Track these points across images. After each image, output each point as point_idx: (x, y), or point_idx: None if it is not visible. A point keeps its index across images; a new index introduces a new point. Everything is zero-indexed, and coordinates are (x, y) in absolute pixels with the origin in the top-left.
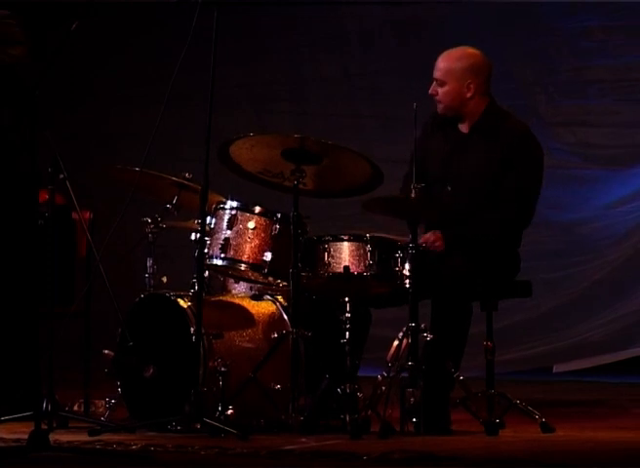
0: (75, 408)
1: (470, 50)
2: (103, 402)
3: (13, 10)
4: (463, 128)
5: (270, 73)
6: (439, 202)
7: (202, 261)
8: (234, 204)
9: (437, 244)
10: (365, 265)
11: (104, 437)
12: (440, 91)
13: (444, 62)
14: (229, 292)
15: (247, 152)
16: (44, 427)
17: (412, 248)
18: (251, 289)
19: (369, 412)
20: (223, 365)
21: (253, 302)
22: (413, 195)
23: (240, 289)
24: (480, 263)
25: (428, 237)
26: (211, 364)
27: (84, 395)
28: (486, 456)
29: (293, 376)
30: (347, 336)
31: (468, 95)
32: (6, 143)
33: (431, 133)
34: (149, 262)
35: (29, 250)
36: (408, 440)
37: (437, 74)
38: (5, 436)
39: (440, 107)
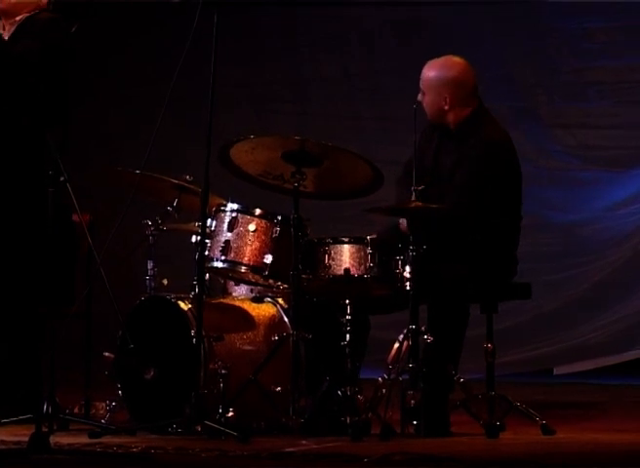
0: (76, 410)
1: (453, 60)
2: (104, 404)
3: None
4: (450, 134)
5: (270, 73)
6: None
7: (202, 264)
8: (235, 206)
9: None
10: (365, 268)
11: (105, 439)
12: (424, 100)
13: (426, 72)
14: (230, 294)
15: (247, 154)
16: (44, 429)
17: (412, 250)
18: (251, 291)
19: (369, 415)
20: (224, 367)
21: (253, 305)
22: (413, 197)
23: (240, 291)
24: (476, 266)
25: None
26: (211, 366)
27: (84, 397)
28: (486, 458)
29: (293, 379)
30: (348, 339)
31: (445, 107)
32: (11, 144)
33: (428, 138)
34: (150, 265)
35: (32, 251)
36: (408, 442)
37: (421, 84)
38: (5, 438)
39: (428, 115)
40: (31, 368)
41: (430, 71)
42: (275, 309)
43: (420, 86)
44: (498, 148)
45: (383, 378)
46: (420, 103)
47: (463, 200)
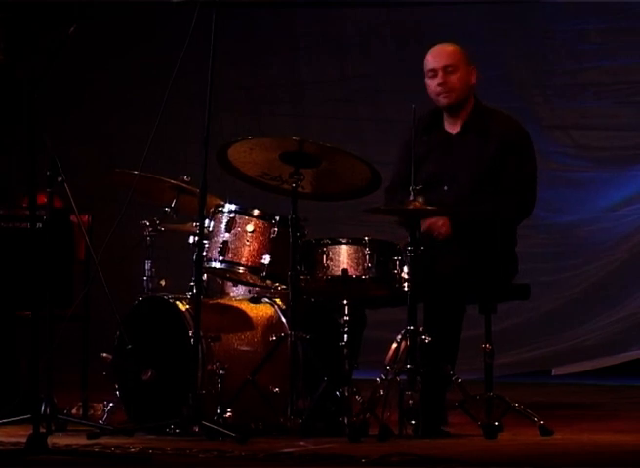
0: (74, 411)
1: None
2: (102, 405)
3: (10, 10)
4: (454, 127)
5: (269, 75)
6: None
7: (200, 264)
8: (233, 207)
9: (443, 229)
10: (363, 268)
11: (103, 440)
12: (453, 77)
13: (451, 48)
14: (228, 295)
15: (245, 155)
16: (42, 430)
17: (410, 250)
18: (249, 292)
19: (367, 415)
20: (222, 368)
21: (251, 305)
22: (411, 197)
23: (238, 292)
24: (478, 264)
25: (435, 221)
26: (209, 367)
27: (82, 398)
28: (484, 459)
29: (291, 379)
30: (346, 339)
31: (473, 81)
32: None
33: (418, 137)
34: (148, 265)
35: (27, 253)
36: (406, 443)
37: (447, 61)
38: (3, 439)
39: (452, 97)
40: (29, 369)
41: (454, 47)
42: (273, 310)
43: (447, 64)
44: (522, 130)
45: (381, 379)
46: (443, 85)
47: (519, 188)
